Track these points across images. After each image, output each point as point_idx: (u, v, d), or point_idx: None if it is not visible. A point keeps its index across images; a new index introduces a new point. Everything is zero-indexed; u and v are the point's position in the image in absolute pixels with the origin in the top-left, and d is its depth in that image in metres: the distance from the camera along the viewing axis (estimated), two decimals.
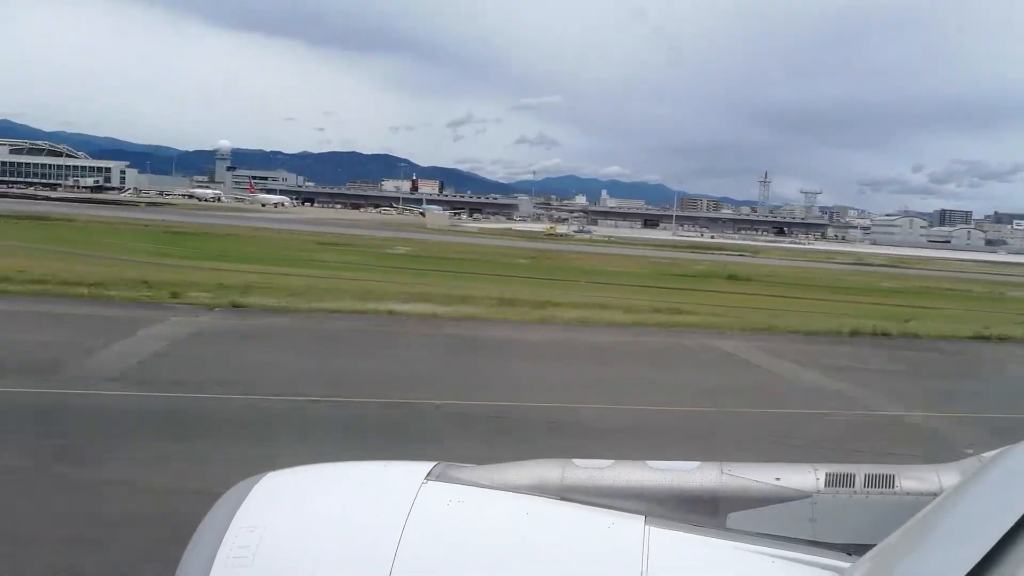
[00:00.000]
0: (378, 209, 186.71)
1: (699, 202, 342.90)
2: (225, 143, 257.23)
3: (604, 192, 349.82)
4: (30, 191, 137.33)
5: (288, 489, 2.15)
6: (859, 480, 2.05)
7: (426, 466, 2.14)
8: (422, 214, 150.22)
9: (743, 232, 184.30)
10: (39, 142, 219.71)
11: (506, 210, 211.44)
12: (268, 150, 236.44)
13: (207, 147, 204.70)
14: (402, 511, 1.90)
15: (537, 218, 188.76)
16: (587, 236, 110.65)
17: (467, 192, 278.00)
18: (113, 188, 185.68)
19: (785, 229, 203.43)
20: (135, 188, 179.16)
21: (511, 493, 2.07)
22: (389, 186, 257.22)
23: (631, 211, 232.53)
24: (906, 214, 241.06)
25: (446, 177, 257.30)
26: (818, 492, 2.04)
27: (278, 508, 2.03)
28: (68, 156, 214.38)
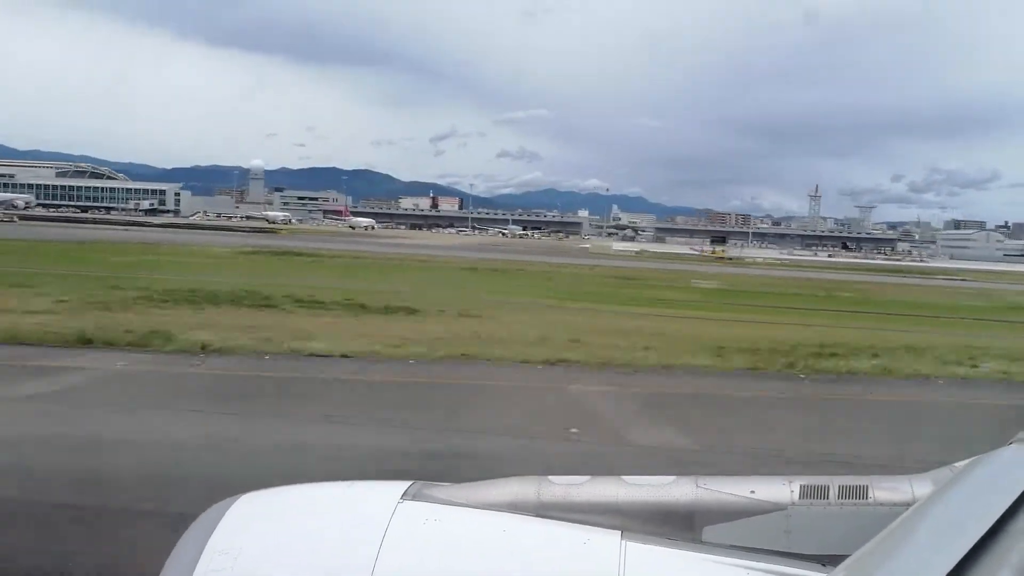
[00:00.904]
0: (476, 231, 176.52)
1: (728, 216, 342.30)
2: (258, 163, 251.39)
3: (615, 207, 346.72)
4: (89, 215, 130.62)
5: (263, 511, 2.11)
6: (833, 491, 2.05)
7: (402, 485, 2.12)
8: (504, 234, 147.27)
9: (813, 248, 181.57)
10: (82, 164, 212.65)
11: (568, 229, 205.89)
12: (247, 167, 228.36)
13: (185, 164, 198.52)
14: (378, 531, 1.88)
15: (608, 235, 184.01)
16: (754, 259, 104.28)
17: (515, 210, 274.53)
18: (168, 211, 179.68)
19: (850, 244, 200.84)
20: (204, 211, 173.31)
21: (487, 511, 2.05)
22: (407, 203, 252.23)
23: (698, 228, 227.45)
24: (979, 227, 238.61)
25: (428, 192, 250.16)
26: (793, 504, 2.03)
27: (253, 531, 1.99)
28: (108, 178, 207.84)
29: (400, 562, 1.83)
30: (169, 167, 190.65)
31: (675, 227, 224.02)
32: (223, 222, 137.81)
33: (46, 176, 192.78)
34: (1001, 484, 1.54)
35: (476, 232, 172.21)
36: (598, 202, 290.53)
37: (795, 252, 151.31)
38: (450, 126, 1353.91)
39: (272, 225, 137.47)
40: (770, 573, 1.91)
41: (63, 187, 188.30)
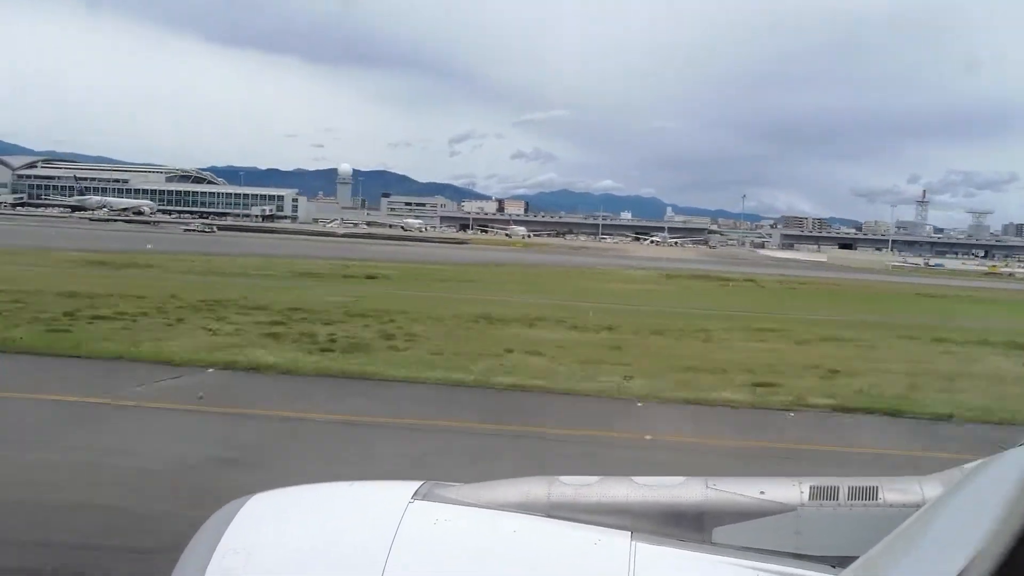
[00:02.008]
0: (639, 240, 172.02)
1: (804, 220, 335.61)
2: (346, 167, 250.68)
3: (669, 209, 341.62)
4: (207, 222, 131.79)
5: (275, 511, 2.13)
6: (843, 493, 2.06)
7: (413, 485, 2.14)
8: (655, 242, 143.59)
9: (959, 255, 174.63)
10: (188, 169, 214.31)
11: (694, 236, 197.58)
12: (264, 168, 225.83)
13: (202, 165, 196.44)
14: (389, 531, 1.89)
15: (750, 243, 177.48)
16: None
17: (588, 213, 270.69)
18: (284, 217, 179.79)
19: (989, 253, 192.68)
20: (341, 219, 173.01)
21: (498, 511, 2.07)
22: (471, 207, 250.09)
23: (823, 235, 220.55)
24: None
25: (442, 192, 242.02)
26: (802, 505, 2.04)
27: (265, 530, 2.01)
28: (209, 183, 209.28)
29: (411, 561, 1.83)
30: (187, 167, 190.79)
31: (802, 234, 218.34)
32: (365, 230, 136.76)
33: (156, 181, 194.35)
34: (1012, 485, 1.47)
35: (668, 243, 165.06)
36: (612, 203, 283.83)
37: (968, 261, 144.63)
38: (468, 128, 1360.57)
39: (413, 233, 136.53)
40: (780, 574, 1.89)
41: (176, 192, 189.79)
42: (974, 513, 1.54)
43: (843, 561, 1.85)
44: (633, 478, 2.19)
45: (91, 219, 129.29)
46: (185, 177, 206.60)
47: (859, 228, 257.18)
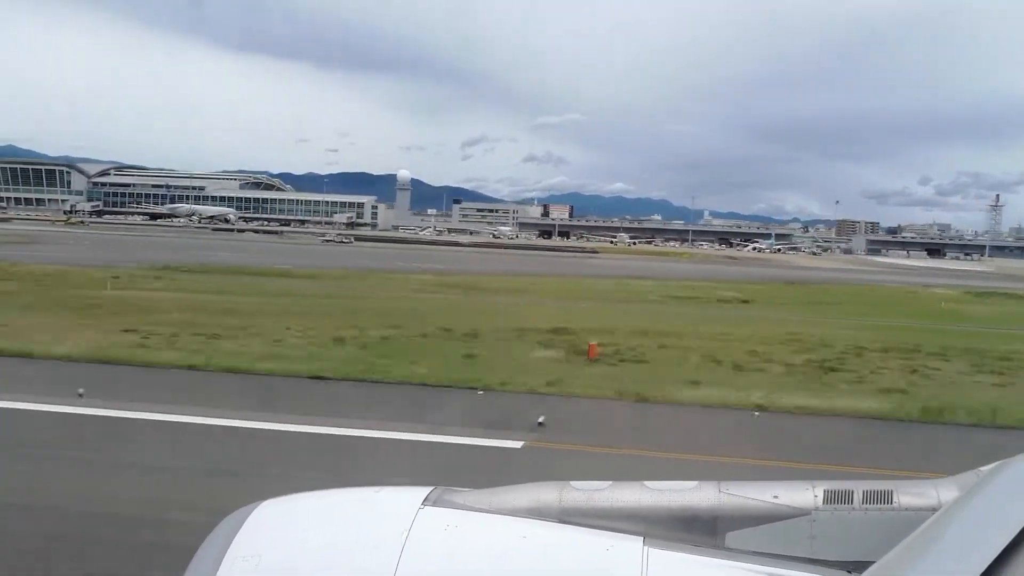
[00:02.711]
0: (740, 246, 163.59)
1: (858, 224, 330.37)
2: (404, 173, 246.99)
3: (707, 213, 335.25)
4: (344, 232, 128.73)
5: (284, 517, 2.11)
6: (857, 497, 2.03)
7: (423, 491, 2.12)
8: (760, 250, 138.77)
9: None
10: (259, 175, 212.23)
11: (730, 239, 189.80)
12: (275, 172, 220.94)
13: (213, 170, 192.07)
14: (399, 537, 1.89)
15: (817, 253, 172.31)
16: None
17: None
18: (364, 224, 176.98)
19: None
20: (433, 227, 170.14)
21: (509, 517, 2.05)
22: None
23: (914, 240, 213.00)
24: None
25: (455, 196, 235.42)
26: (817, 509, 2.02)
27: (274, 537, 2.00)
28: (278, 189, 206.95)
29: (421, 568, 1.82)
30: (196, 172, 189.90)
31: (892, 239, 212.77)
32: (468, 238, 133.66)
33: (231, 188, 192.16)
34: None
35: (784, 250, 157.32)
36: (623, 206, 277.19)
37: None
38: (482, 132, 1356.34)
39: (503, 240, 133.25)
40: None
41: (253, 200, 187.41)
42: (991, 517, 1.54)
43: (859, 566, 1.82)
44: (645, 483, 2.14)
45: (184, 227, 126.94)
46: (256, 184, 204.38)
47: (894, 231, 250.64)
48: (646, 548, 1.93)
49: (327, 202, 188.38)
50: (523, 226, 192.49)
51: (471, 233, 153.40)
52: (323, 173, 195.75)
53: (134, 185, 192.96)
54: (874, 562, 1.68)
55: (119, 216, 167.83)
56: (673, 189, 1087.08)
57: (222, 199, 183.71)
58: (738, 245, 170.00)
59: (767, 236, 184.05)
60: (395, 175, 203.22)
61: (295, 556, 1.93)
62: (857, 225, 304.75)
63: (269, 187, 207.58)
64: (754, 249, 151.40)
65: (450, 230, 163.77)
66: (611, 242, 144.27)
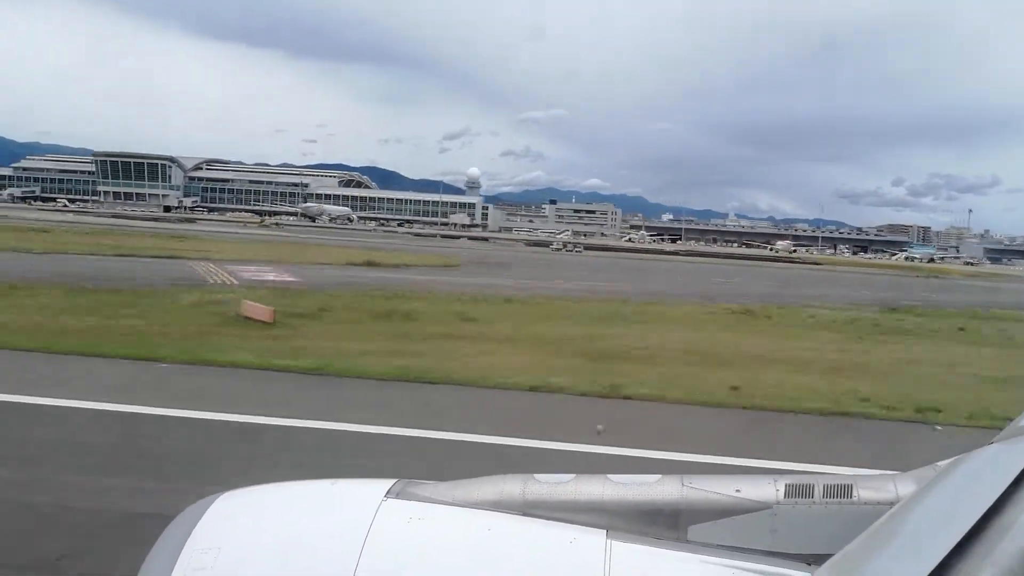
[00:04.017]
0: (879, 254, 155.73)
1: (910, 228, 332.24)
2: (475, 170, 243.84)
3: (731, 214, 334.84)
4: (572, 240, 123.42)
5: (245, 509, 2.10)
6: (818, 491, 2.06)
7: (386, 484, 2.11)
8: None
9: None
10: (352, 174, 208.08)
11: (770, 241, 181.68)
12: (251, 163, 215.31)
13: (183, 156, 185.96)
14: (362, 529, 1.88)
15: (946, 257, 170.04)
16: None
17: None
18: (476, 225, 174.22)
19: None
20: (570, 231, 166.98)
21: (472, 509, 2.05)
22: (549, 210, 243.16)
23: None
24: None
25: (432, 189, 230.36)
26: (778, 503, 2.04)
27: (235, 528, 1.98)
28: (365, 187, 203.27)
29: (384, 560, 1.82)
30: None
31: (1009, 247, 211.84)
32: (630, 244, 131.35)
33: (331, 186, 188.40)
34: (983, 483, 1.54)
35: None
36: (597, 200, 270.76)
37: None
38: (465, 125, 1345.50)
39: (643, 245, 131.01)
40: (755, 572, 1.90)
41: (362, 198, 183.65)
42: (947, 510, 1.58)
43: (818, 559, 1.87)
44: (609, 476, 2.13)
45: (327, 228, 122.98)
46: (349, 182, 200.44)
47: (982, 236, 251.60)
48: (609, 541, 1.93)
49: (437, 202, 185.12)
50: (632, 228, 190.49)
51: (601, 236, 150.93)
52: (298, 164, 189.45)
53: (232, 180, 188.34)
54: (833, 554, 1.69)
55: (228, 212, 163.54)
56: (648, 186, 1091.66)
57: (328, 197, 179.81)
58: (876, 252, 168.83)
59: (907, 244, 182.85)
60: (372, 167, 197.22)
61: (255, 548, 1.88)
62: (910, 229, 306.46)
63: (360, 185, 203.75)
64: (907, 259, 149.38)
65: (629, 239, 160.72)
66: (769, 249, 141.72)
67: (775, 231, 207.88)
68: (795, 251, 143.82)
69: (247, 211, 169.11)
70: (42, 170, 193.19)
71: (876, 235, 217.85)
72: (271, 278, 31.55)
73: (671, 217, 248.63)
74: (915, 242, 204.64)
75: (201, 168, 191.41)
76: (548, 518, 2.04)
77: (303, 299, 23.32)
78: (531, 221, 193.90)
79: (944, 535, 1.34)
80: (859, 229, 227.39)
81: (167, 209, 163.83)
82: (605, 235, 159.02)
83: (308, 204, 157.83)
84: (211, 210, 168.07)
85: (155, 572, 1.85)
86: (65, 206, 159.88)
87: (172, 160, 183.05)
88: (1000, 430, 1.87)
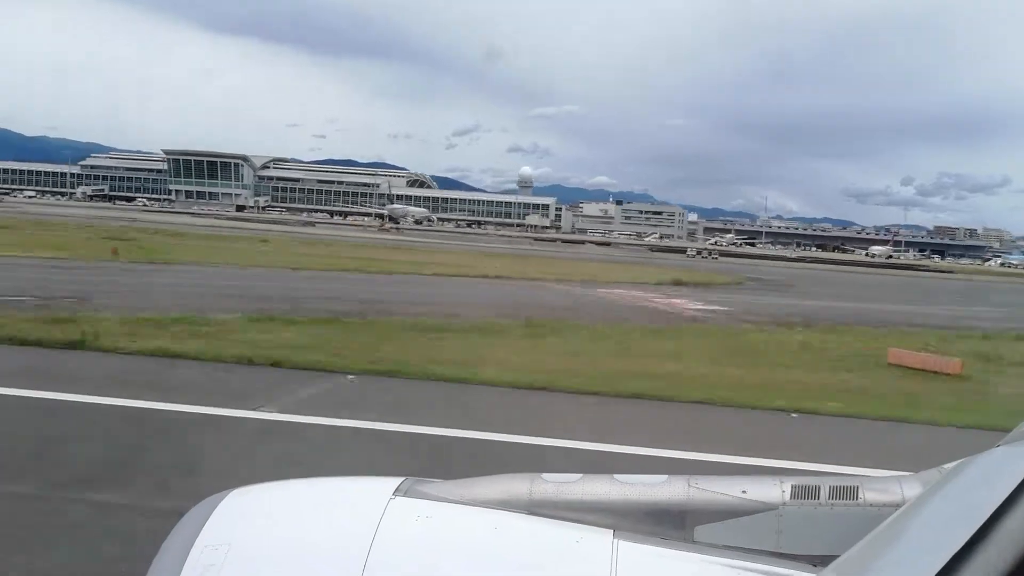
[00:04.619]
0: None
1: (956, 231, 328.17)
2: (527, 170, 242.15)
3: (764, 214, 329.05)
4: (707, 247, 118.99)
5: (255, 506, 2.10)
6: (824, 492, 2.07)
7: (394, 481, 2.11)
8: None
9: None
10: (418, 174, 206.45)
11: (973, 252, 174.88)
12: (252, 155, 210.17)
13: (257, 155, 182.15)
14: (370, 527, 1.89)
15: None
16: None
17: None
18: (550, 227, 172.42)
19: None
20: (658, 234, 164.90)
21: (480, 508, 2.05)
22: (592, 209, 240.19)
23: None
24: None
25: (440, 185, 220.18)
26: (784, 504, 2.04)
27: (244, 525, 1.99)
28: (427, 186, 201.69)
29: (391, 558, 1.82)
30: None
31: None
32: (735, 249, 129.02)
33: (399, 186, 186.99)
34: (989, 486, 1.52)
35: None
36: (604, 199, 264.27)
37: None
38: (475, 121, 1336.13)
39: (738, 249, 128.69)
40: (761, 573, 1.90)
41: (425, 198, 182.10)
42: (953, 513, 1.58)
43: (824, 560, 1.88)
44: (615, 476, 2.14)
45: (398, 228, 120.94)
46: (415, 182, 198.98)
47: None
48: (616, 541, 1.93)
49: (510, 203, 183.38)
50: (705, 231, 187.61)
51: (716, 240, 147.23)
52: (307, 159, 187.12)
53: (301, 180, 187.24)
54: (839, 556, 1.71)
55: (308, 213, 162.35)
56: (655, 183, 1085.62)
57: (399, 197, 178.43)
58: (953, 258, 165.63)
59: (986, 248, 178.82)
60: (380, 163, 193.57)
61: (265, 545, 1.91)
62: (956, 232, 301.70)
63: (422, 185, 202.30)
64: (1002, 265, 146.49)
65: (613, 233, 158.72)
66: (866, 254, 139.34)
67: (865, 235, 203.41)
68: (892, 257, 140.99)
69: (317, 211, 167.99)
70: (108, 168, 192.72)
71: (951, 240, 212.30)
72: (705, 306, 28.83)
73: (694, 216, 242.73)
74: (972, 244, 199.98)
75: (268, 167, 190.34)
76: (555, 517, 2.04)
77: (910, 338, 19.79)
78: (606, 223, 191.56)
79: (950, 538, 1.33)
80: (932, 230, 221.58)
81: (240, 208, 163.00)
82: (672, 238, 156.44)
83: (395, 206, 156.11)
84: (288, 210, 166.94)
85: (166, 567, 1.84)
86: (144, 205, 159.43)
87: (244, 159, 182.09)
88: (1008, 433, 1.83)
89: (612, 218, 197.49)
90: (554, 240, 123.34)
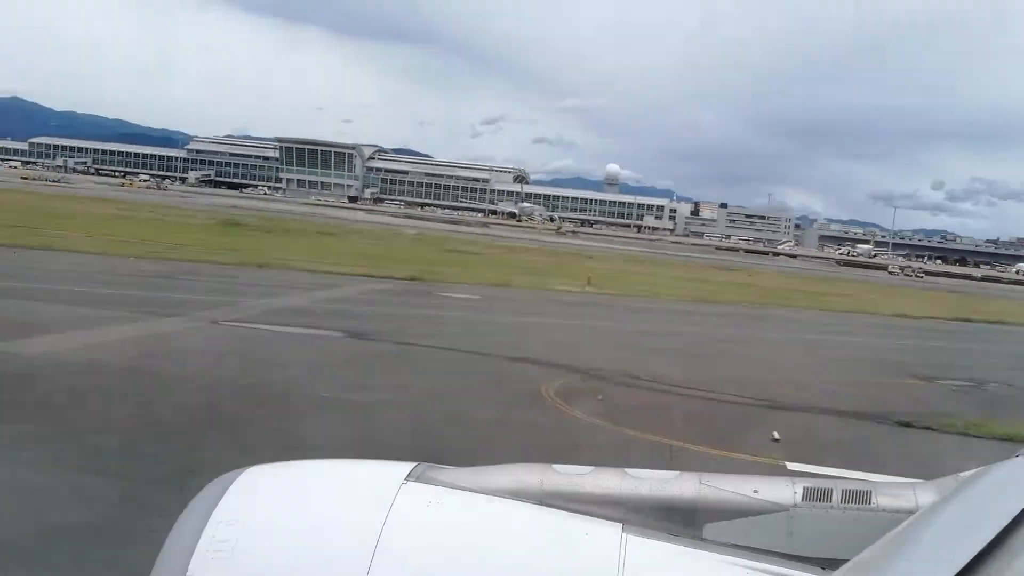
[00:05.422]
0: None
1: None
2: (613, 167, 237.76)
3: (820, 218, 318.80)
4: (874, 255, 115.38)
5: (268, 485, 2.11)
6: (836, 495, 2.05)
7: (407, 467, 2.12)
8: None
9: None
10: (518, 170, 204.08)
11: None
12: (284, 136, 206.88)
13: (220, 132, 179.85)
14: (381, 511, 1.90)
15: None
16: None
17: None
18: (667, 229, 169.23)
19: None
20: (793, 242, 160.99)
21: (490, 496, 2.05)
22: (719, 215, 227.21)
23: None
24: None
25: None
26: (795, 506, 2.03)
27: (258, 504, 2.01)
28: (526, 182, 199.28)
29: (402, 542, 1.83)
30: (204, 135, 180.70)
31: None
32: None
33: (507, 183, 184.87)
34: (1005, 496, 1.51)
35: None
36: (626, 191, 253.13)
37: None
38: (503, 110, 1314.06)
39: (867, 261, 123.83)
40: (770, 574, 1.89)
41: (536, 195, 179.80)
42: (967, 523, 1.55)
43: (833, 564, 1.86)
44: (627, 470, 2.15)
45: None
46: (517, 177, 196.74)
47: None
48: (624, 535, 1.93)
49: (625, 203, 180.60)
50: (821, 239, 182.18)
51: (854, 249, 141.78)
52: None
53: (408, 172, 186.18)
54: (849, 560, 1.69)
55: (425, 208, 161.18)
56: (679, 179, 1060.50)
57: (510, 194, 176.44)
58: None
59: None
60: (406, 148, 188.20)
61: (277, 523, 1.92)
62: None
63: (522, 179, 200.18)
64: None
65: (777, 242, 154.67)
66: (1016, 272, 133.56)
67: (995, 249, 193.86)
68: None
69: (426, 204, 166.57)
70: (212, 153, 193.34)
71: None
72: None
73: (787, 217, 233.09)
74: None
75: (373, 158, 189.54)
76: (565, 509, 2.03)
77: None
78: (710, 226, 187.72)
79: (962, 548, 1.30)
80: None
81: (352, 200, 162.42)
82: (777, 244, 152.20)
83: (524, 205, 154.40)
84: (406, 204, 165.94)
85: (180, 542, 1.86)
86: (265, 193, 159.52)
87: (355, 148, 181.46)
88: None
89: (715, 221, 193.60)
90: (735, 249, 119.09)
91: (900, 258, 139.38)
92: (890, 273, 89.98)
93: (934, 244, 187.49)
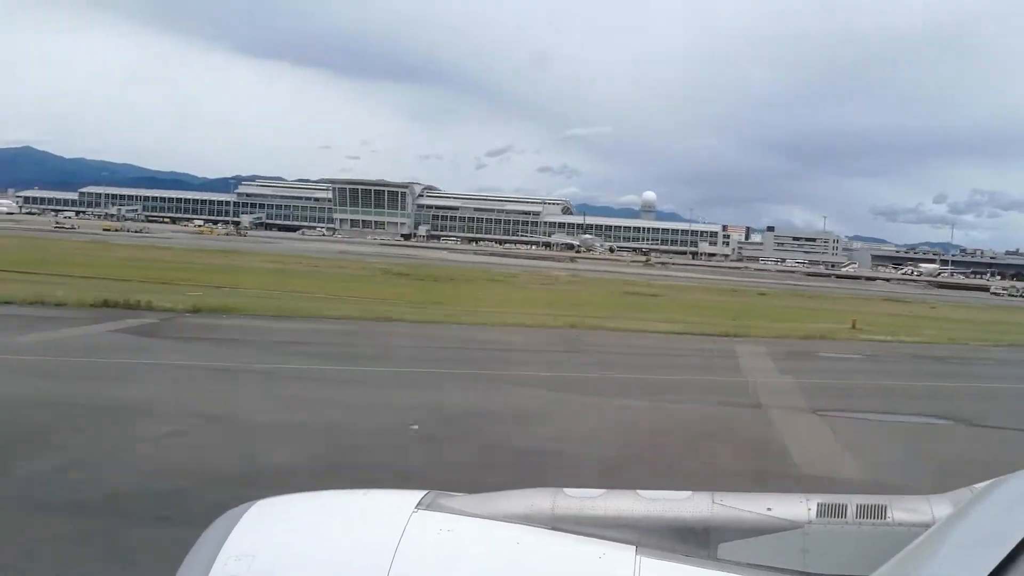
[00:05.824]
0: None
1: None
2: (650, 194, 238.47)
3: (844, 238, 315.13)
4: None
5: (278, 518, 2.10)
6: (851, 511, 2.03)
7: (417, 495, 2.11)
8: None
9: None
10: (561, 200, 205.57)
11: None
12: (291, 179, 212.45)
13: (226, 174, 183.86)
14: (392, 540, 1.88)
15: None
16: None
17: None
18: (716, 255, 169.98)
19: None
20: (855, 263, 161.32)
21: (502, 523, 2.03)
22: (766, 238, 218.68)
23: None
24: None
25: None
26: (810, 523, 2.01)
27: (268, 537, 1.99)
28: (571, 212, 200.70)
29: (413, 571, 1.80)
30: (212, 177, 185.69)
31: None
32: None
33: (555, 214, 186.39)
34: (1022, 507, 1.49)
35: None
36: (631, 216, 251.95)
37: None
38: (508, 142, 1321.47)
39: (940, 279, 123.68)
40: None
41: (587, 226, 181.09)
42: (985, 534, 1.53)
43: None
44: (639, 492, 2.13)
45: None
46: (565, 209, 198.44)
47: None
48: (639, 557, 1.90)
49: (679, 231, 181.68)
50: (874, 259, 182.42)
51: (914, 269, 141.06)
52: (337, 179, 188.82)
53: (459, 208, 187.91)
54: None
55: (445, 239, 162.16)
56: (683, 202, 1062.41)
57: (561, 226, 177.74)
58: None
59: None
60: (412, 183, 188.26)
61: (288, 556, 1.90)
62: None
63: (567, 211, 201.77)
64: None
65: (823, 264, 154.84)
66: None
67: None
68: None
69: (477, 239, 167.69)
70: (261, 196, 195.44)
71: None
72: None
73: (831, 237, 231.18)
74: None
75: (422, 195, 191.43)
76: (577, 533, 2.00)
77: None
78: (758, 249, 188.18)
79: (981, 559, 1.29)
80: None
81: (406, 237, 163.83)
82: (834, 265, 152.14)
83: (585, 236, 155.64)
84: (460, 239, 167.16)
85: None
86: (324, 234, 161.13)
87: (407, 187, 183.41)
88: None
89: (763, 245, 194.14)
90: (833, 276, 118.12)
91: (998, 278, 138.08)
92: (993, 294, 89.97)
93: (987, 260, 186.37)
